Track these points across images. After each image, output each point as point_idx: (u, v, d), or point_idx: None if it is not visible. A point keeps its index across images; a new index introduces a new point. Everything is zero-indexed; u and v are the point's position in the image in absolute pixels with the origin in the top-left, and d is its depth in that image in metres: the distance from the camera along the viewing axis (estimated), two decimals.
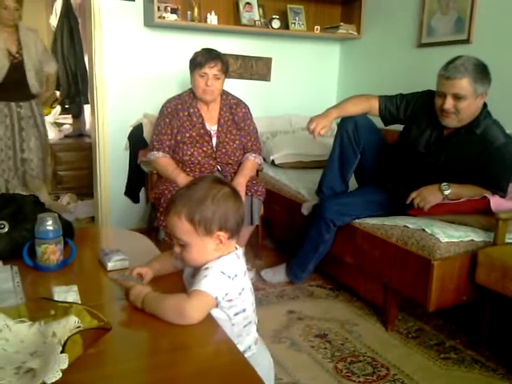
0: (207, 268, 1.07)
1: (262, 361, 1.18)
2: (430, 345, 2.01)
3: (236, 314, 1.11)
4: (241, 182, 2.39)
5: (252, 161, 2.59)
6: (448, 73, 2.04)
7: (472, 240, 1.96)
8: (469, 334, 2.08)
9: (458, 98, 2.02)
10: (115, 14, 2.98)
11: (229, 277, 1.07)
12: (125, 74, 3.09)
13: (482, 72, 2.04)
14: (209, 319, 1.05)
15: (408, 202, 2.11)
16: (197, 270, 1.13)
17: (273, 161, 3.21)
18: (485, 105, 2.14)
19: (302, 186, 2.77)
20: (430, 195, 2.07)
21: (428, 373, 1.81)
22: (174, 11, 2.96)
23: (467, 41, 2.73)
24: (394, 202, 2.29)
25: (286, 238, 3.03)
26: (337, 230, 2.30)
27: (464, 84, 2.01)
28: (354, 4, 3.48)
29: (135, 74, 3.12)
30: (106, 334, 0.96)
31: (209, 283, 1.04)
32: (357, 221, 2.25)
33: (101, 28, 2.96)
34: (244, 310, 1.12)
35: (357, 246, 2.24)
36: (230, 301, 1.08)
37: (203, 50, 2.53)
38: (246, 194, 2.40)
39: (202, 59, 2.45)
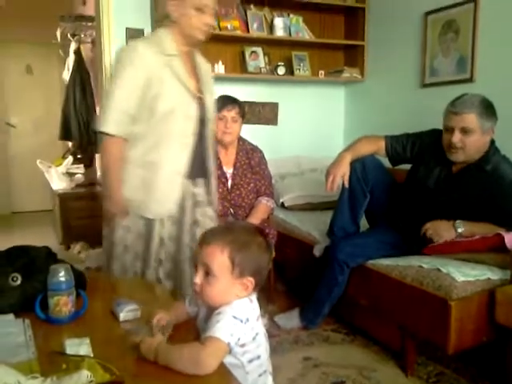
0: (219, 313, 1.07)
1: None
2: None
3: (250, 361, 1.09)
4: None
5: (265, 204, 2.61)
6: (456, 108, 2.07)
7: (489, 278, 1.92)
8: (492, 377, 2.00)
9: (465, 132, 2.05)
10: None
11: (241, 321, 1.06)
12: None
13: (488, 108, 2.07)
14: (222, 369, 1.02)
15: (422, 233, 2.10)
16: (209, 314, 1.12)
17: (282, 203, 3.22)
18: (493, 141, 2.15)
19: (313, 228, 2.76)
20: (443, 230, 2.06)
21: None
22: None
23: (470, 80, 2.78)
24: (406, 241, 2.27)
25: (298, 280, 3.00)
26: (350, 271, 2.27)
27: (472, 118, 2.04)
28: (357, 48, 3.58)
29: None
30: None
31: (221, 329, 1.03)
32: (370, 262, 2.22)
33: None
34: (258, 357, 1.10)
35: (371, 287, 2.20)
36: (243, 346, 1.06)
37: (220, 96, 2.62)
38: None
39: (220, 104, 2.53)
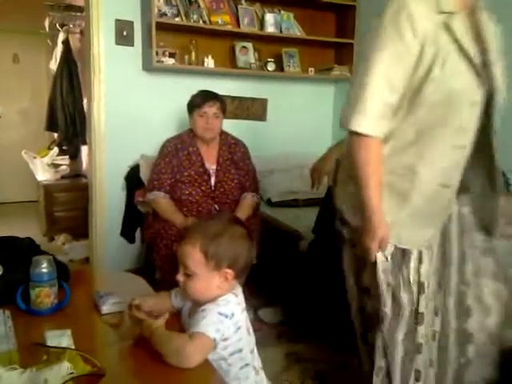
0: (204, 310, 1.07)
1: None
2: None
3: (231, 354, 1.10)
4: None
5: (250, 200, 2.60)
6: None
7: None
8: None
9: None
10: (114, 58, 3.05)
11: (226, 316, 1.07)
12: (122, 115, 3.14)
13: None
14: (205, 363, 1.03)
15: None
16: (193, 310, 1.12)
17: (269, 199, 3.22)
18: None
19: (299, 224, 2.77)
20: None
21: None
22: (171, 55, 3.04)
23: None
24: None
25: (283, 275, 3.00)
26: None
27: None
28: (347, 46, 3.58)
29: (133, 115, 3.17)
30: (99, 380, 0.93)
31: (207, 325, 1.04)
32: None
33: (100, 72, 3.03)
34: (240, 351, 1.11)
35: None
36: (226, 340, 1.07)
37: (200, 92, 2.59)
38: None
39: (200, 100, 2.52)
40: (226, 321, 1.06)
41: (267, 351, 2.16)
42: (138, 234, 3.20)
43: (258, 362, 1.19)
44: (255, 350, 1.18)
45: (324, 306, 2.46)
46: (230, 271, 1.11)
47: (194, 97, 2.58)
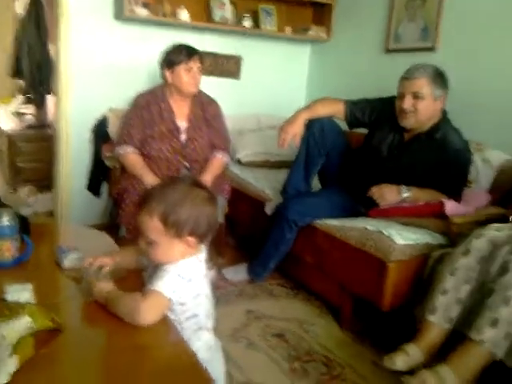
0: (164, 270, 1.08)
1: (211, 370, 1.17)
2: (384, 344, 2.06)
3: (187, 319, 1.11)
4: (207, 180, 2.40)
5: (220, 159, 2.59)
6: (407, 74, 2.15)
7: (428, 243, 2.02)
8: None
9: (416, 97, 2.11)
10: (84, 4, 2.92)
11: (183, 278, 1.07)
12: (92, 65, 3.04)
13: (439, 77, 2.13)
14: (164, 320, 1.06)
15: (368, 195, 2.17)
16: (155, 270, 1.13)
17: (239, 159, 3.22)
18: (445, 112, 2.22)
19: (267, 186, 2.79)
20: (388, 193, 2.14)
21: (380, 372, 1.86)
22: (145, 6, 2.92)
23: (432, 49, 2.81)
24: (355, 204, 2.34)
25: (248, 236, 3.05)
26: (298, 229, 2.33)
27: (422, 83, 2.10)
28: (325, 7, 3.52)
29: (102, 66, 3.07)
30: (59, 334, 0.95)
31: (164, 284, 1.05)
32: (318, 221, 2.28)
33: (68, 17, 2.90)
34: (196, 316, 1.12)
35: (317, 245, 2.28)
36: (183, 304, 1.08)
37: (181, 46, 2.49)
38: None
39: (185, 54, 2.43)
40: (184, 283, 1.07)
41: (227, 309, 2.22)
42: (106, 189, 3.17)
43: (211, 324, 1.20)
44: (212, 313, 1.19)
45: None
46: (191, 238, 1.09)
47: (175, 51, 2.47)
